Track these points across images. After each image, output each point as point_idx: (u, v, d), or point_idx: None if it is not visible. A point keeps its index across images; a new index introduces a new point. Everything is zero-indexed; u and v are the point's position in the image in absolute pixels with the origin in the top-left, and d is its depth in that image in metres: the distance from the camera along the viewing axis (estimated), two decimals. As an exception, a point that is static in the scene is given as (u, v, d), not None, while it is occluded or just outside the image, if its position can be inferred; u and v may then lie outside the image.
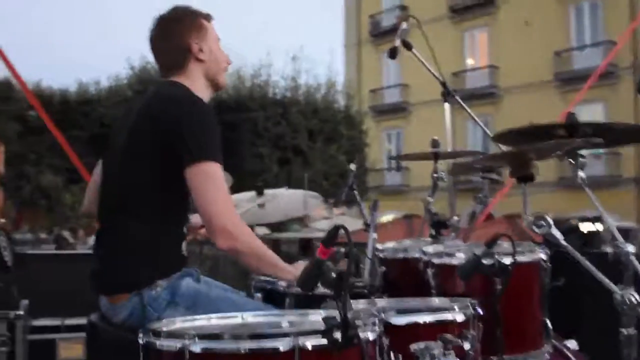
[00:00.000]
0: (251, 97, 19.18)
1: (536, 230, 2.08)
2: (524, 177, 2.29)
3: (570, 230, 4.36)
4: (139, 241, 2.30)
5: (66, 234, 13.84)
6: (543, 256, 2.42)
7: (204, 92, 2.49)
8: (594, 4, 27.32)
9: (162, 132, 2.27)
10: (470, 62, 30.94)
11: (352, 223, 5.35)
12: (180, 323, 1.77)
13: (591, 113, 24.31)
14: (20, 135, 16.19)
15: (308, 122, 19.47)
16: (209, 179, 2.21)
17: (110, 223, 2.41)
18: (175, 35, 2.51)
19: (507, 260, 2.17)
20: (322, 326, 1.44)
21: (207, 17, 2.61)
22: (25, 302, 4.33)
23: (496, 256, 2.18)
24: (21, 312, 4.15)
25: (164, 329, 1.66)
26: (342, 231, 1.57)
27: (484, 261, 2.13)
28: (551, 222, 2.04)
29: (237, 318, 1.87)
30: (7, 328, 4.09)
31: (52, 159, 14.38)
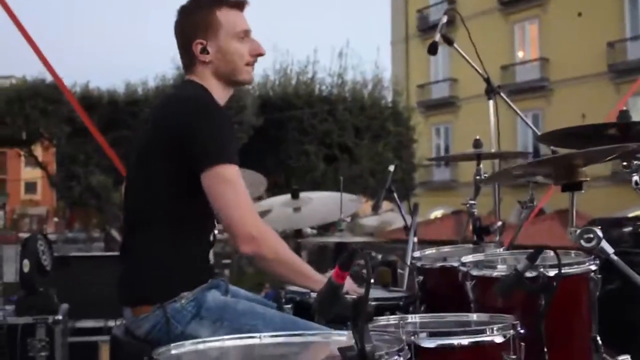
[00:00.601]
0: (297, 94, 19.07)
1: (584, 244, 1.88)
2: (570, 185, 2.07)
3: (623, 232, 4.11)
4: (160, 250, 2.21)
5: (115, 233, 14.00)
6: (592, 267, 2.22)
7: (218, 92, 2.32)
8: (650, -7, 26.41)
9: (174, 135, 2.16)
10: (520, 55, 30.27)
11: (400, 219, 5.20)
12: (189, 346, 1.66)
13: (647, 106, 23.51)
14: (69, 136, 16.43)
15: (355, 118, 19.27)
16: (227, 182, 2.09)
17: (133, 231, 2.31)
18: (182, 34, 2.35)
19: (551, 273, 2.00)
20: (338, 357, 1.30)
21: (235, 4, 2.33)
22: (64, 306, 4.31)
23: (540, 269, 2.01)
24: (60, 317, 4.13)
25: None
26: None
27: (526, 274, 1.97)
28: (600, 234, 1.85)
29: (254, 339, 1.75)
30: (46, 333, 4.08)
31: (101, 159, 14.52)
